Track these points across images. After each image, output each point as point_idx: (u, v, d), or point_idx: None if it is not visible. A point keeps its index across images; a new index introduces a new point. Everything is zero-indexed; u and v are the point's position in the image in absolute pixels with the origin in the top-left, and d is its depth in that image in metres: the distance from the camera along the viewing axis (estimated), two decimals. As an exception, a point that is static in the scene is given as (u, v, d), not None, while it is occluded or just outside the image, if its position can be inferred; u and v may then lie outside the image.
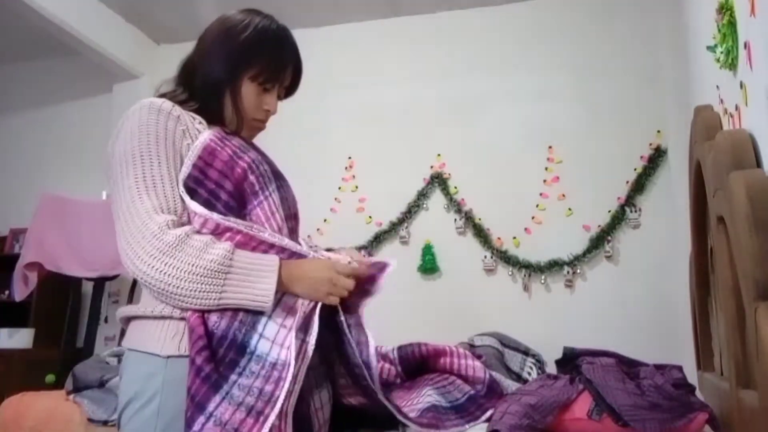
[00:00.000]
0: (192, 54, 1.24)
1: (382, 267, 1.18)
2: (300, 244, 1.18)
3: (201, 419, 0.94)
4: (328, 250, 1.24)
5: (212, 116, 1.18)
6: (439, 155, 3.30)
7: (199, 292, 0.99)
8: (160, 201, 1.03)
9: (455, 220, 3.21)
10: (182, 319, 1.04)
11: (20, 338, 3.43)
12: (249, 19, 1.23)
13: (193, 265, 0.99)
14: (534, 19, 3.32)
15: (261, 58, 1.19)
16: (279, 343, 1.02)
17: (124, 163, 1.06)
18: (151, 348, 1.05)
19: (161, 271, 0.99)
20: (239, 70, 1.18)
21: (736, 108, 1.31)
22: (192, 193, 1.07)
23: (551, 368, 1.85)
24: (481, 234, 3.15)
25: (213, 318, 1.02)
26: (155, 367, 1.03)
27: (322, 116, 3.50)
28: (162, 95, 1.17)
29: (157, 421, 1.01)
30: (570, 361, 1.61)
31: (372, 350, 1.13)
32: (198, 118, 1.16)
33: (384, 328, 3.47)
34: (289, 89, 1.29)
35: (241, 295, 1.01)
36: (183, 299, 1.00)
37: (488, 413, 1.31)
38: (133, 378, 1.06)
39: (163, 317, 1.05)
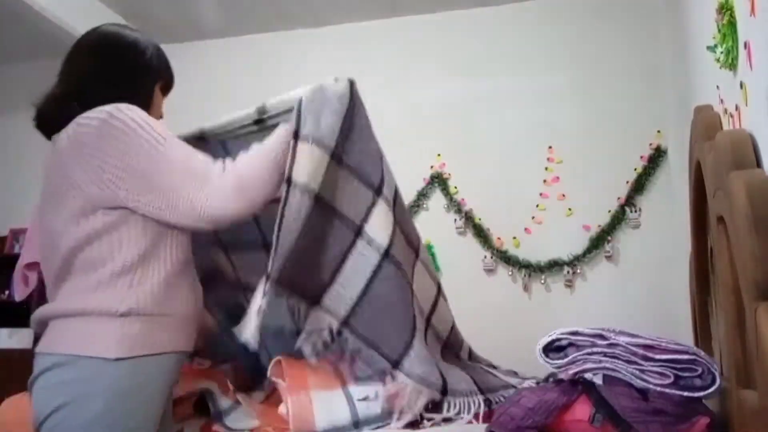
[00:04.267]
0: (82, 68, 1.31)
1: None
2: None
3: None
4: None
5: None
6: (439, 155, 3.30)
7: None
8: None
9: (455, 220, 3.21)
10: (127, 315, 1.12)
11: (20, 338, 3.43)
12: (139, 36, 1.36)
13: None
14: (534, 19, 3.31)
15: (167, 70, 1.39)
16: None
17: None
18: (95, 351, 1.09)
19: None
20: (153, 83, 1.34)
21: (736, 108, 1.31)
22: None
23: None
24: (481, 234, 3.15)
25: None
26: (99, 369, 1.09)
27: (322, 116, 3.50)
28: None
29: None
30: (570, 361, 1.61)
31: None
32: None
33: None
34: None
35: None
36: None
37: None
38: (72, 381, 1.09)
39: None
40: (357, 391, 1.37)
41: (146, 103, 1.29)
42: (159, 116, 1.35)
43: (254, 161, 1.21)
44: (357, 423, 1.33)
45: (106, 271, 1.13)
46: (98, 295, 1.12)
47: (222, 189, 1.14)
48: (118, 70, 1.29)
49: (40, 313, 1.18)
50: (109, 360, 1.08)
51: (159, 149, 1.15)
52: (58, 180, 1.19)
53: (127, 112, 1.17)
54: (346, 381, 1.39)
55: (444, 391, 1.40)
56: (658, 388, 1.24)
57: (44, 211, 1.23)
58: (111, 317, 1.11)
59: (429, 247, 3.21)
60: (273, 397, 1.45)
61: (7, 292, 3.61)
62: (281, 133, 1.29)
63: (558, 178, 3.13)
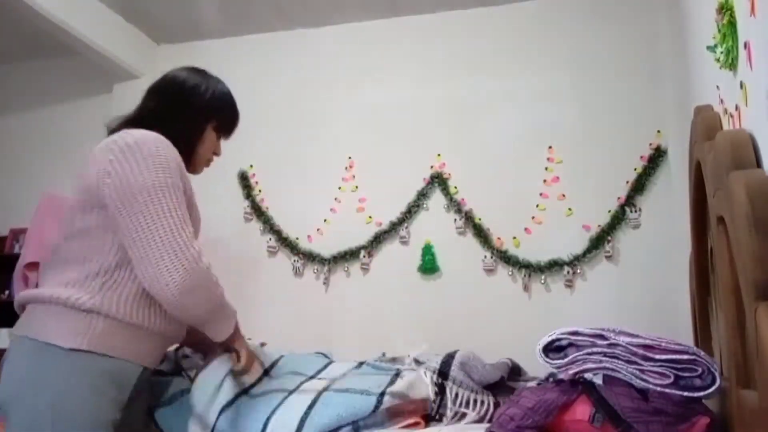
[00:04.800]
0: (156, 102, 1.44)
1: None
2: None
3: None
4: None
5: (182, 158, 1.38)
6: (439, 155, 3.30)
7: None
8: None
9: (455, 220, 3.21)
10: (90, 312, 1.18)
11: (20, 338, 3.43)
12: (206, 81, 1.50)
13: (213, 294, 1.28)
14: (534, 19, 3.31)
15: (223, 114, 1.50)
16: None
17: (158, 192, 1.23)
18: (54, 339, 1.16)
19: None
20: (207, 122, 1.46)
21: (736, 108, 1.31)
22: None
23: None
24: (481, 234, 3.15)
25: None
26: (56, 358, 1.15)
27: (322, 116, 3.50)
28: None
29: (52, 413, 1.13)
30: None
31: None
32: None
33: (384, 328, 3.48)
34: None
35: (220, 328, 1.33)
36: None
37: None
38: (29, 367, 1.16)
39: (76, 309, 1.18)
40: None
41: (192, 140, 1.43)
42: (207, 156, 1.49)
43: (217, 287, 1.28)
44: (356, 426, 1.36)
45: (84, 268, 1.20)
46: (70, 288, 1.19)
47: (186, 273, 1.18)
48: (172, 108, 1.42)
49: (21, 297, 1.26)
50: (63, 348, 1.14)
51: (151, 177, 1.22)
52: (78, 181, 1.30)
53: (139, 137, 1.26)
54: None
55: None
56: (658, 388, 1.24)
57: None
58: (76, 310, 1.17)
59: (429, 247, 3.22)
60: None
61: (7, 292, 3.62)
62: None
63: (558, 178, 3.13)
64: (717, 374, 1.23)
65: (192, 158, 1.43)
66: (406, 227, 3.27)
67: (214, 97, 1.48)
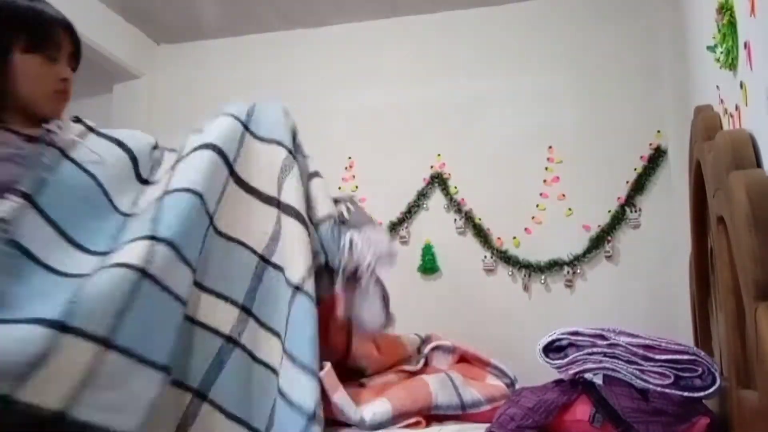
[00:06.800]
0: None
1: None
2: None
3: None
4: None
5: None
6: (439, 155, 3.30)
7: None
8: None
9: (455, 220, 3.21)
10: None
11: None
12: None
13: None
14: (534, 19, 3.31)
15: (22, 27, 1.17)
16: None
17: None
18: None
19: None
20: (7, 50, 1.16)
21: (736, 108, 1.31)
22: None
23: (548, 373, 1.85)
24: (481, 234, 3.15)
25: None
26: None
27: (322, 116, 3.50)
28: None
29: None
30: (570, 361, 1.61)
31: None
32: None
33: (384, 328, 3.42)
34: (75, 57, 1.27)
35: None
36: None
37: None
38: None
39: None
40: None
41: (10, 79, 1.17)
42: (43, 88, 1.21)
43: None
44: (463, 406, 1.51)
45: None
46: None
47: None
48: None
49: None
50: None
51: None
52: None
53: None
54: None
55: None
56: (659, 389, 1.25)
57: None
58: None
59: (429, 247, 3.22)
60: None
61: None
62: None
63: (558, 178, 3.13)
64: (717, 374, 1.23)
65: (11, 98, 1.17)
66: (406, 227, 3.27)
67: (7, 15, 1.17)
